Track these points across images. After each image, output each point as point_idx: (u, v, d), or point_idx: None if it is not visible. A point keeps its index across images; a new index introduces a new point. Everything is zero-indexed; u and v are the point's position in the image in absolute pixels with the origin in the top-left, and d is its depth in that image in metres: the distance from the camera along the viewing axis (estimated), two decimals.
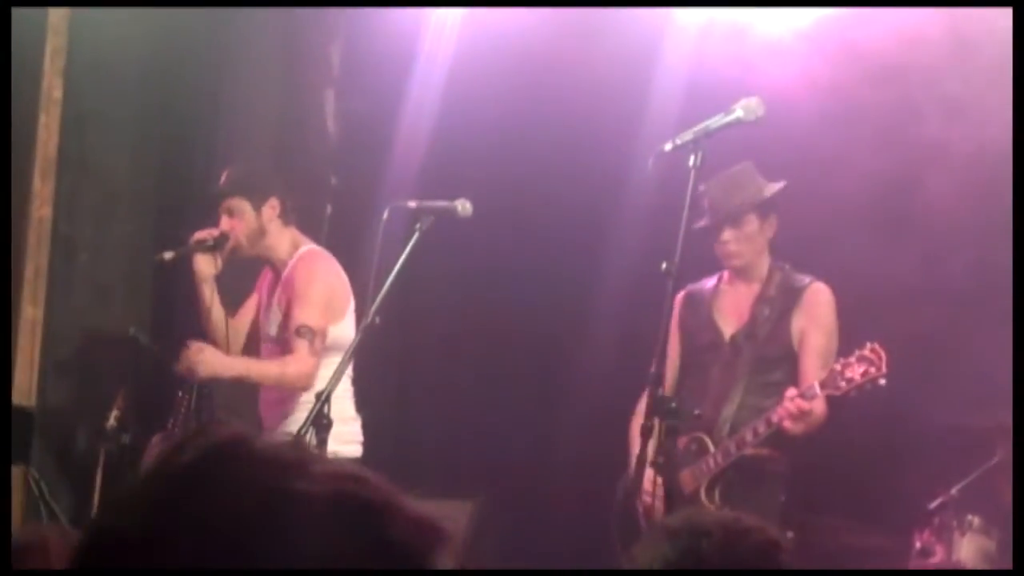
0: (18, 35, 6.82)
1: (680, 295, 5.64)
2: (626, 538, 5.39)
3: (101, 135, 7.15)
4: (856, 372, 4.99)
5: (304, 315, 5.47)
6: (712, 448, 5.44)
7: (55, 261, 6.95)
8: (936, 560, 5.82)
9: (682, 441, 5.37)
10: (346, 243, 6.36)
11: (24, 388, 6.81)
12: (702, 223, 5.48)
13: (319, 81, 7.40)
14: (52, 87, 6.95)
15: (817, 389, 5.10)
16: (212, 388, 5.90)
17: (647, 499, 5.25)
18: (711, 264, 5.77)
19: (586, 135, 6.73)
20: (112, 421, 6.52)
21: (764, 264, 5.59)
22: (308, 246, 5.68)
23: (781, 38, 6.33)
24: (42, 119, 6.91)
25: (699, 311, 5.70)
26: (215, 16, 7.11)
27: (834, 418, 6.45)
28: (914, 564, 5.88)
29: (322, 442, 4.69)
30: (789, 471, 5.49)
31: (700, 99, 5.38)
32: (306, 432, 4.71)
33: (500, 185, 6.51)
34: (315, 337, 5.44)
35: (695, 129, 4.47)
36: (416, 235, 4.99)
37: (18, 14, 6.76)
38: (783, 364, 5.47)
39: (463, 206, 5.12)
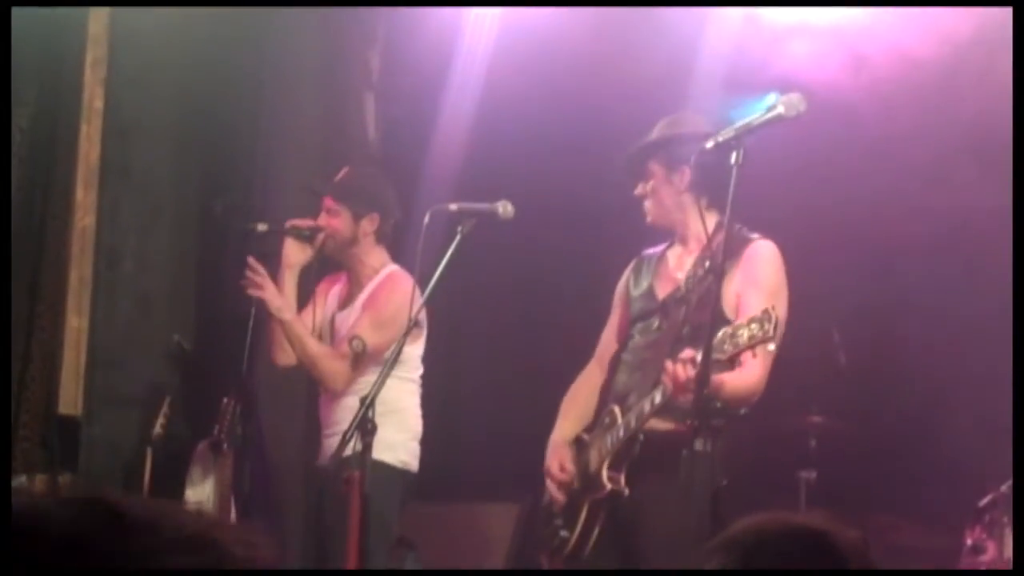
0: (58, 46, 6.85)
1: (631, 263, 5.34)
2: (538, 526, 5.21)
3: (143, 144, 7.18)
4: (743, 335, 4.20)
5: (364, 328, 5.58)
6: (620, 420, 4.89)
7: (99, 270, 6.98)
8: (988, 557, 5.77)
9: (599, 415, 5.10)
10: (388, 247, 6.35)
11: (70, 397, 6.84)
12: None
13: (359, 86, 7.41)
14: (93, 97, 6.98)
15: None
16: (256, 394, 5.91)
17: (559, 476, 5.07)
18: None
19: (625, 133, 6.70)
20: (158, 428, 6.55)
21: (694, 222, 4.91)
22: (393, 266, 5.74)
23: (821, 30, 6.31)
24: (84, 129, 6.95)
25: (642, 277, 5.21)
26: (255, 24, 7.14)
27: (883, 416, 6.42)
28: (965, 561, 5.82)
29: (367, 447, 4.68)
30: (725, 449, 4.64)
31: (740, 95, 5.32)
32: (351, 437, 4.70)
33: (541, 185, 6.49)
34: (364, 352, 5.49)
35: (736, 126, 4.41)
36: (458, 238, 4.97)
37: (58, 25, 6.79)
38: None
39: (504, 208, 5.09)
